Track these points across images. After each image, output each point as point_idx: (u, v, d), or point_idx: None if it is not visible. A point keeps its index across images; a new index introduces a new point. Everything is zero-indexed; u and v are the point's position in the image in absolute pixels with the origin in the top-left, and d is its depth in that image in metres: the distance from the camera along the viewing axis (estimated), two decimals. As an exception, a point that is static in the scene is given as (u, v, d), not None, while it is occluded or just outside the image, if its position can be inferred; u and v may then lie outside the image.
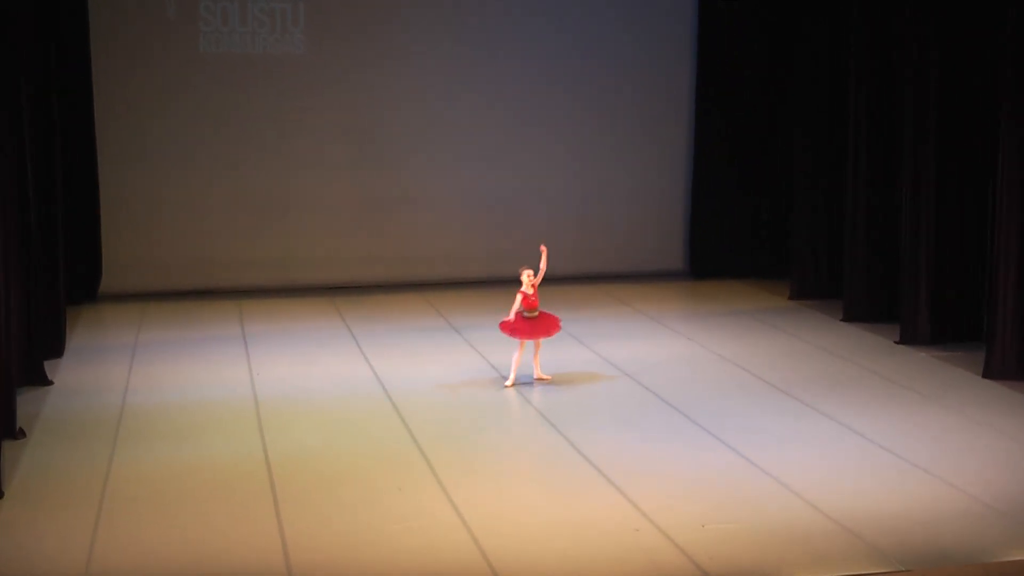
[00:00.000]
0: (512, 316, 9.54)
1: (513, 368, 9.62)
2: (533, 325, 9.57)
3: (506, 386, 9.52)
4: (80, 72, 12.67)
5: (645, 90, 14.23)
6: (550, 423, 8.66)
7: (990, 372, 9.78)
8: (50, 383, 9.72)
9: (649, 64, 14.19)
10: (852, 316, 11.91)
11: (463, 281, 13.96)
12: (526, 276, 9.52)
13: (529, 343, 9.67)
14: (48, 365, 10.03)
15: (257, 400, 9.27)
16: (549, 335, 9.69)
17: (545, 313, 9.67)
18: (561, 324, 9.75)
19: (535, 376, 9.67)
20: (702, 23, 14.10)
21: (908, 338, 10.99)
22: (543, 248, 9.72)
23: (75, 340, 11.23)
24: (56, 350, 10.60)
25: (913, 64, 10.87)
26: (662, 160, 14.39)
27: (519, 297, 9.50)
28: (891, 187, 11.67)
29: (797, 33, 12.99)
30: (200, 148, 13.33)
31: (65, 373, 10.08)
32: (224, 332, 11.62)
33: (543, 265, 9.62)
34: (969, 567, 6.30)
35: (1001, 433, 8.37)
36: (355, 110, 13.65)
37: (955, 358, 10.43)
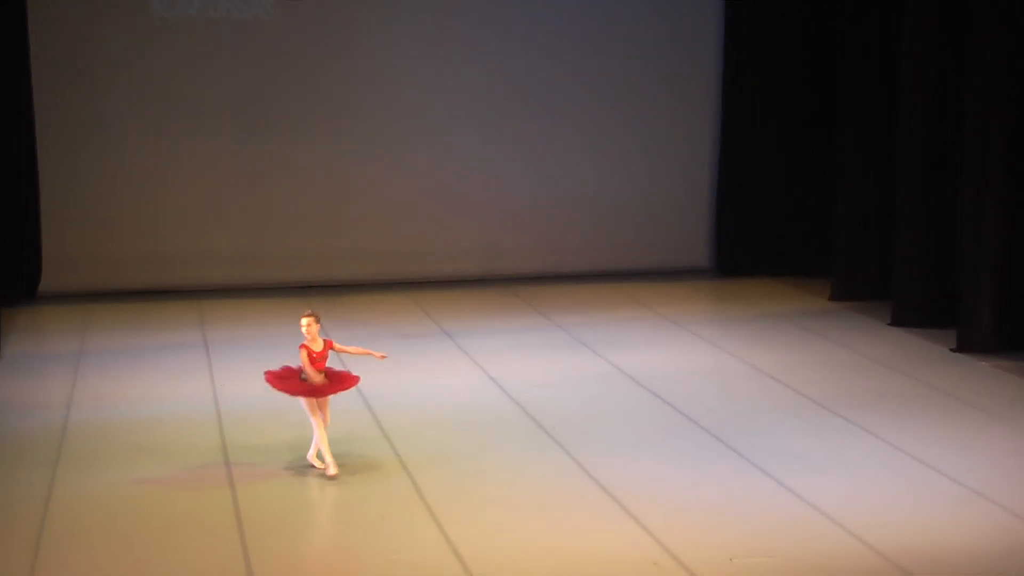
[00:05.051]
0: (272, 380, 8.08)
1: (318, 446, 8.09)
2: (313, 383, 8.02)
3: (329, 475, 7.98)
4: (14, 41, 12.62)
5: (666, 66, 14.21)
6: (557, 443, 8.64)
7: (1064, 385, 9.81)
8: (-18, 397, 9.72)
9: (670, 36, 14.18)
10: (902, 320, 11.90)
11: (456, 279, 13.92)
12: (305, 323, 8.01)
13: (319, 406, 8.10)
14: (-21, 376, 10.03)
15: (220, 416, 9.25)
16: (333, 392, 8.10)
17: (335, 371, 8.18)
18: (358, 381, 8.24)
19: (308, 456, 8.18)
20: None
21: (967, 345, 10.97)
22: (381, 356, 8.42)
23: (10, 347, 11.20)
24: (-11, 359, 10.60)
25: (981, 47, 10.83)
26: (685, 144, 14.38)
27: (303, 354, 7.98)
28: (948, 175, 11.64)
29: (843, 8, 12.98)
30: (155, 127, 13.27)
31: (-1, 385, 10.09)
32: (183, 338, 11.60)
33: (362, 350, 8.49)
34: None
35: (1075, 455, 8.36)
36: (335, 84, 13.61)
37: (1023, 369, 10.42)
